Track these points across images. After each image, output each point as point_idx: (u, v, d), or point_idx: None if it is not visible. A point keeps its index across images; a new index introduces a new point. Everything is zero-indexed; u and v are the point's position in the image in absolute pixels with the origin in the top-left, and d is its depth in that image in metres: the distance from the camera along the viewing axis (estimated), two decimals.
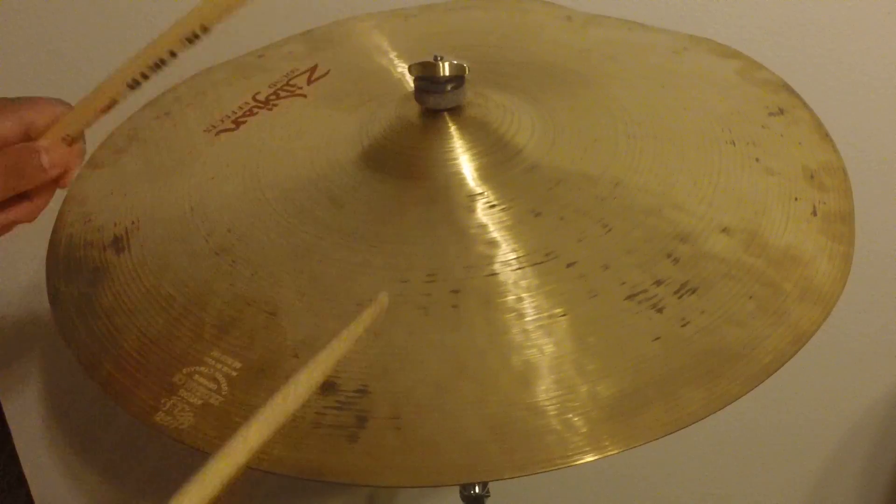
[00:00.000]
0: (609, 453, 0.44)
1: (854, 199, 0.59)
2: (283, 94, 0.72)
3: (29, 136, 0.52)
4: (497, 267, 0.52)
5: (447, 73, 0.60)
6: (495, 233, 0.54)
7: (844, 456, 1.18)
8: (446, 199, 0.57)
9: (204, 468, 0.34)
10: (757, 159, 0.60)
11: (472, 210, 0.56)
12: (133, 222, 0.61)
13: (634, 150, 0.60)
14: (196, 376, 0.49)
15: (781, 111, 0.66)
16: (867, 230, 0.99)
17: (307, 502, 1.17)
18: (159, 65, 0.51)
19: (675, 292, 0.51)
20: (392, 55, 0.75)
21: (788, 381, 1.11)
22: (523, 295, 0.51)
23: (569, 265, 0.52)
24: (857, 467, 1.19)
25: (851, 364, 1.10)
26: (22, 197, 0.53)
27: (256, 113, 0.70)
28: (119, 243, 0.60)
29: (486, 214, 0.56)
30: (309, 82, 0.73)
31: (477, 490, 0.73)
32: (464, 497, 0.74)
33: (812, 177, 0.60)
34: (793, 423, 1.15)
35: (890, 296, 1.06)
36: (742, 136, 0.62)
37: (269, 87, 0.73)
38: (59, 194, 0.65)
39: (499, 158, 0.59)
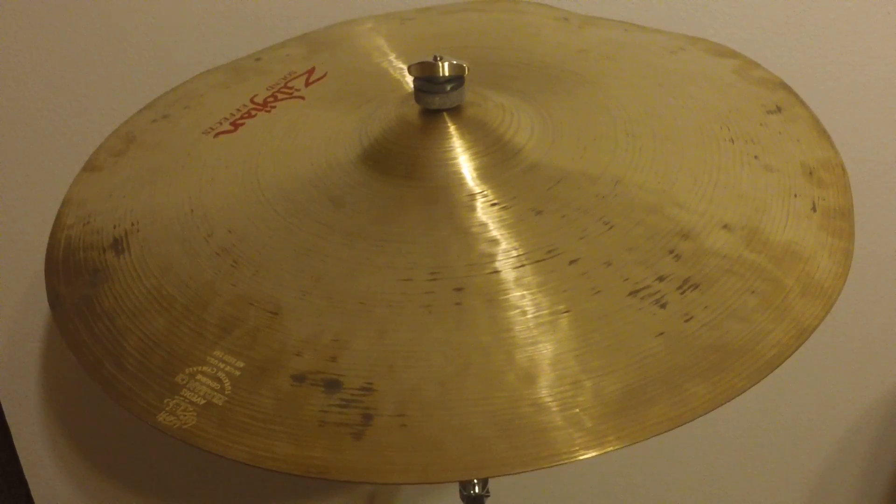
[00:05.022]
0: (614, 448, 0.44)
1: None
2: (280, 96, 0.72)
3: None
4: (499, 265, 0.52)
5: (447, 74, 0.60)
6: (496, 231, 0.54)
7: (844, 456, 1.18)
8: (447, 199, 0.57)
9: None
10: (756, 157, 0.61)
11: (472, 209, 0.56)
12: (133, 224, 0.61)
13: (634, 148, 0.61)
14: (199, 376, 0.49)
15: (779, 109, 0.66)
16: (867, 230, 1.00)
17: (308, 500, 1.16)
18: None
19: (678, 288, 0.51)
20: (390, 57, 0.75)
21: (788, 380, 1.11)
22: (526, 292, 0.51)
23: (571, 262, 0.52)
24: (857, 467, 1.19)
25: (851, 364, 1.10)
26: None
27: (255, 115, 0.70)
28: (119, 245, 0.59)
29: (487, 213, 0.56)
30: (307, 84, 0.73)
31: (477, 490, 0.73)
32: (464, 497, 0.74)
33: (811, 173, 0.60)
34: (793, 423, 1.15)
35: (890, 296, 1.06)
36: (740, 133, 0.63)
37: (267, 89, 0.73)
38: (56, 197, 0.65)
39: (499, 158, 0.59)
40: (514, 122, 0.62)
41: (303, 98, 0.71)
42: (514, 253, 0.53)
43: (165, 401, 0.49)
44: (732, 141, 0.62)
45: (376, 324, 0.50)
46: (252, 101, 0.71)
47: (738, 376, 0.47)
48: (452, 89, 0.60)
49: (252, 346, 0.50)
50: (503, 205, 0.56)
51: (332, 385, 0.47)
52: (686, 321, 0.49)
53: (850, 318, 1.07)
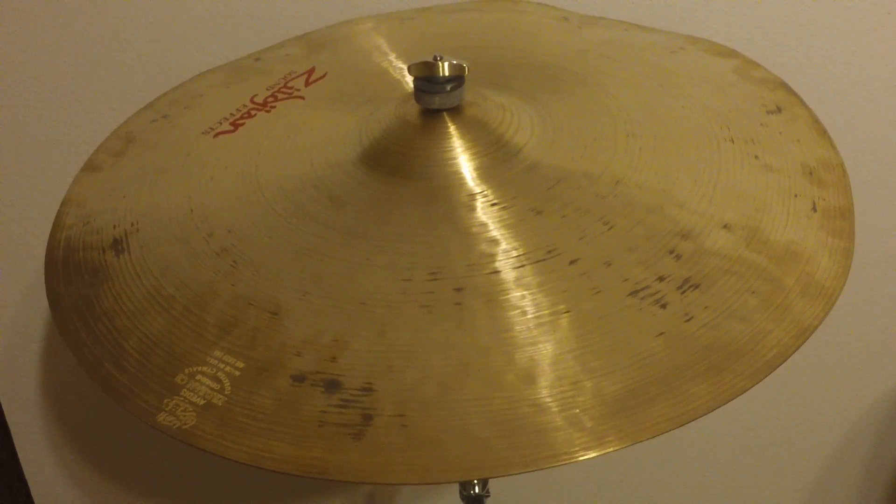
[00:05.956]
0: (614, 448, 0.44)
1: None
2: (280, 96, 0.72)
3: None
4: (499, 265, 0.52)
5: (447, 73, 0.60)
6: (496, 231, 0.54)
7: (844, 456, 1.18)
8: (446, 199, 0.57)
9: None
10: (756, 157, 0.61)
11: (472, 209, 0.56)
12: (132, 224, 0.61)
13: (634, 148, 0.61)
14: (199, 376, 0.49)
15: (779, 109, 0.66)
16: (867, 230, 1.00)
17: (307, 500, 1.16)
18: None
19: (678, 288, 0.51)
20: (390, 57, 0.75)
21: (788, 381, 1.11)
22: (526, 292, 0.51)
23: (571, 262, 0.52)
24: (857, 467, 1.19)
25: (851, 364, 1.10)
26: None
27: (254, 115, 0.70)
28: (119, 245, 0.59)
29: (487, 213, 0.56)
30: (307, 84, 0.73)
31: (477, 490, 0.73)
32: (463, 497, 0.74)
33: (811, 173, 0.60)
34: (793, 423, 1.15)
35: (890, 296, 1.06)
36: (741, 133, 0.63)
37: (267, 89, 0.73)
38: (56, 197, 0.65)
39: (498, 158, 0.59)
40: (514, 121, 0.62)
41: (303, 98, 0.71)
42: (514, 253, 0.53)
43: (165, 401, 0.49)
44: (732, 141, 0.62)
45: (376, 324, 0.50)
46: (252, 101, 0.71)
47: (738, 376, 0.47)
48: (452, 89, 0.60)
49: (252, 346, 0.50)
50: (503, 205, 0.56)
51: (332, 385, 0.47)
52: (686, 321, 0.49)
53: (850, 318, 1.07)
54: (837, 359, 1.10)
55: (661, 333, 0.48)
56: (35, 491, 1.12)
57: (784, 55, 0.91)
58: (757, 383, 0.46)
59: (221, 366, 0.49)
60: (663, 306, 0.50)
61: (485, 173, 0.58)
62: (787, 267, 0.53)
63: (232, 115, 0.70)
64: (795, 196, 0.58)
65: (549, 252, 0.53)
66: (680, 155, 0.60)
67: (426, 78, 0.60)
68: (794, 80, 0.69)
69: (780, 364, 0.47)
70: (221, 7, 0.86)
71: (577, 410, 0.45)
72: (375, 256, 0.54)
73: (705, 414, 0.45)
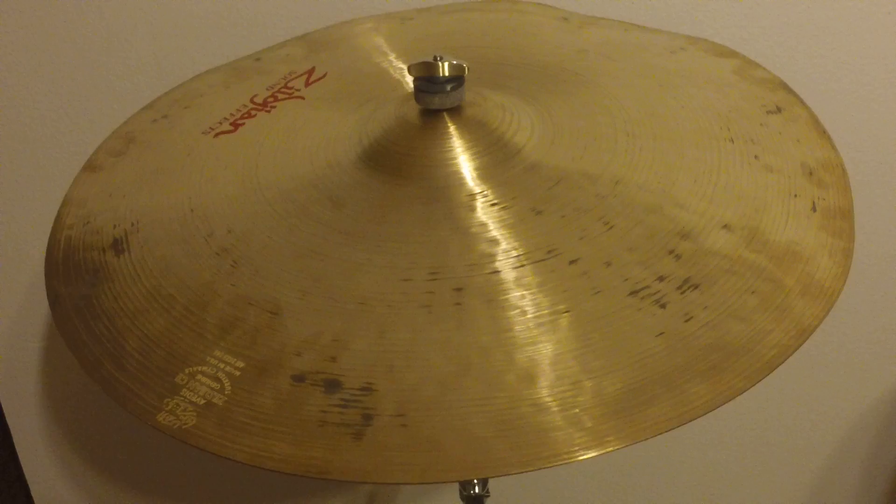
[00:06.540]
0: (614, 448, 0.44)
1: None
2: (280, 96, 0.72)
3: None
4: (499, 265, 0.52)
5: (447, 74, 0.60)
6: (496, 231, 0.54)
7: (844, 456, 1.18)
8: (446, 199, 0.57)
9: None
10: (756, 157, 0.61)
11: (472, 209, 0.56)
12: (133, 224, 0.61)
13: (634, 148, 0.61)
14: (199, 376, 0.49)
15: (779, 109, 0.66)
16: (867, 230, 1.00)
17: (308, 500, 1.16)
18: None
19: (678, 288, 0.51)
20: (390, 57, 0.75)
21: (789, 381, 1.11)
22: (526, 292, 0.51)
23: (571, 262, 0.52)
24: (857, 467, 1.19)
25: (851, 364, 1.10)
26: None
27: (254, 115, 0.70)
28: (119, 245, 0.59)
29: (487, 213, 0.56)
30: (307, 84, 0.73)
31: (477, 490, 0.73)
32: (463, 497, 0.74)
33: (811, 173, 0.60)
34: (793, 423, 1.15)
35: (890, 296, 1.06)
36: (740, 133, 0.63)
37: (267, 89, 0.73)
38: (56, 197, 0.65)
39: (498, 158, 0.59)
40: (514, 121, 0.62)
41: (303, 98, 0.71)
42: (514, 253, 0.53)
43: (165, 401, 0.49)
44: (732, 141, 0.62)
45: (376, 324, 0.50)
46: (252, 101, 0.71)
47: (738, 376, 0.47)
48: (452, 89, 0.60)
49: (252, 346, 0.50)
50: (503, 205, 0.56)
51: (332, 385, 0.47)
52: (686, 321, 0.49)
53: (850, 318, 1.07)
54: (837, 359, 1.10)
55: (661, 333, 0.48)
56: (35, 491, 1.12)
57: (784, 55, 0.91)
58: (757, 383, 0.46)
59: (221, 366, 0.49)
60: (663, 306, 0.50)
61: (485, 173, 0.58)
62: (787, 267, 0.53)
63: (232, 115, 0.70)
64: (795, 196, 0.58)
65: (549, 252, 0.53)
66: (680, 155, 0.60)
67: (426, 78, 0.60)
68: (794, 80, 0.69)
69: (780, 364, 0.47)
70: (221, 7, 0.86)
71: (577, 410, 0.45)
72: (375, 256, 0.54)
73: (705, 414, 0.45)
